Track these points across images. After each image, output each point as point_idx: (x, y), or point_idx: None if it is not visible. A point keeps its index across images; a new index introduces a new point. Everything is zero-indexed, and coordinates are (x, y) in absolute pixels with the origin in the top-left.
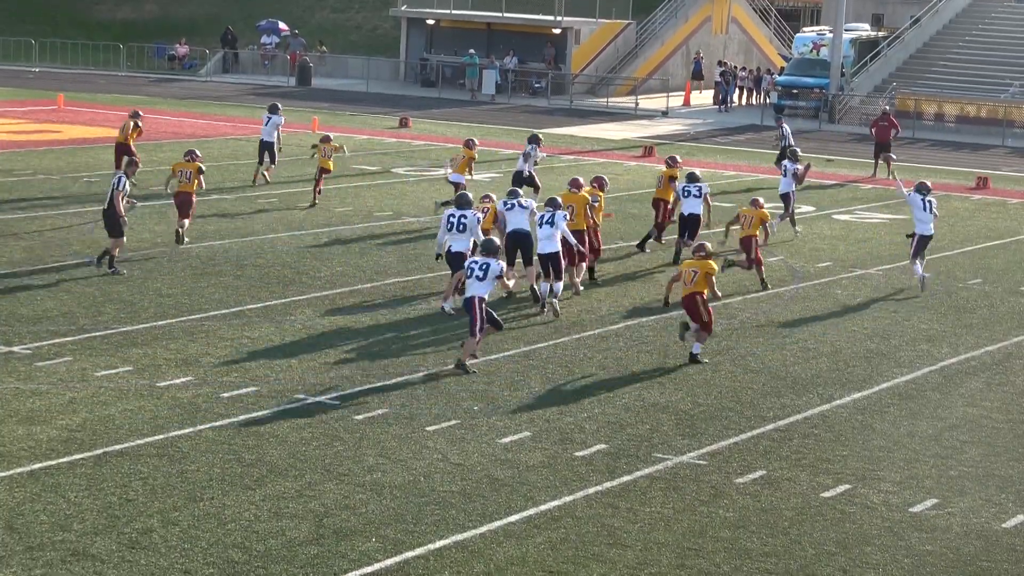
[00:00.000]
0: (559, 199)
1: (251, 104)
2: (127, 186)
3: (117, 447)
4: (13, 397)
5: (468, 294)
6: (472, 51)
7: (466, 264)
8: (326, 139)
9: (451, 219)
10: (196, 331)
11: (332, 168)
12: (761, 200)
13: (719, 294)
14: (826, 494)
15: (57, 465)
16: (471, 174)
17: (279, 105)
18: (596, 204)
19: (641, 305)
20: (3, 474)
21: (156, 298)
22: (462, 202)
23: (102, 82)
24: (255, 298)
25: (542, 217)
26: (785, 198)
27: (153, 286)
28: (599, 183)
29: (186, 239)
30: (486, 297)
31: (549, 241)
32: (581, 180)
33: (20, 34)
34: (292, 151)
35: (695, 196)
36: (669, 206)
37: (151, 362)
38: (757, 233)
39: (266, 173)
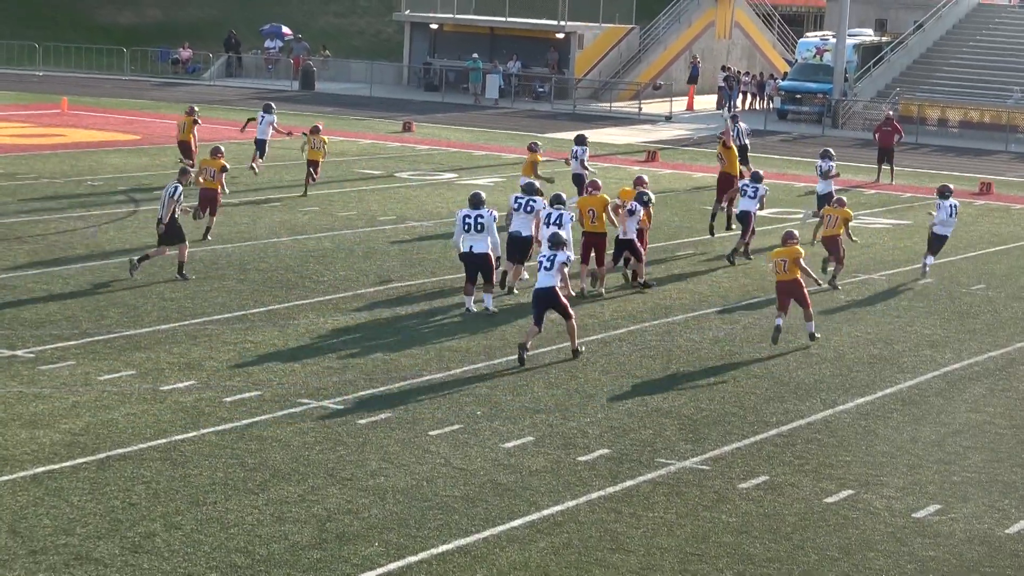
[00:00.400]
0: (563, 195)
1: (255, 108)
2: (182, 195)
3: (120, 451)
4: (16, 401)
5: (542, 285)
6: (475, 55)
7: (537, 260)
8: (315, 130)
9: (467, 220)
10: (199, 335)
11: (321, 159)
12: (844, 199)
13: (814, 276)
14: (829, 499)
15: (60, 469)
16: (536, 176)
17: (273, 105)
18: (652, 203)
19: (644, 309)
20: (6, 478)
21: (159, 302)
22: (476, 202)
23: (106, 86)
24: (258, 302)
25: (548, 216)
26: (827, 198)
27: (156, 290)
28: (641, 182)
29: (210, 236)
30: (558, 285)
31: None
32: (600, 183)
33: (24, 38)
34: (294, 155)
35: (750, 197)
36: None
37: (154, 366)
38: (841, 232)
39: (255, 165)
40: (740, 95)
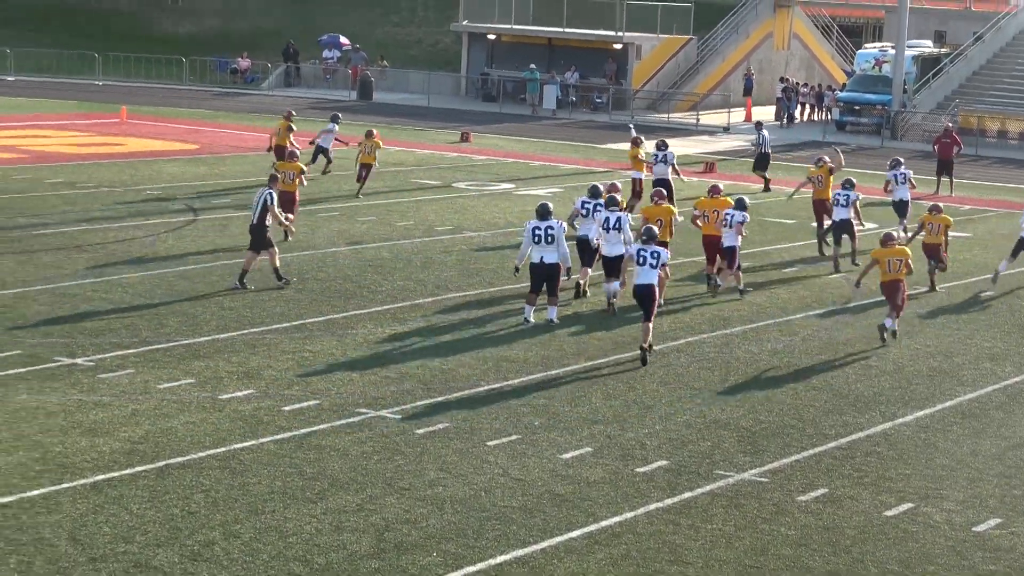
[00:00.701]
0: (617, 196)
1: (313, 118)
2: (276, 200)
3: (179, 459)
4: (76, 409)
5: (642, 281)
6: (533, 66)
7: (635, 252)
8: (369, 135)
9: (536, 231)
10: (258, 344)
11: (374, 162)
12: (940, 205)
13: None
14: (889, 513)
15: (120, 477)
16: (649, 171)
17: (339, 115)
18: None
19: (702, 321)
20: (66, 485)
21: (218, 311)
22: (544, 213)
23: (165, 95)
24: (317, 311)
25: (606, 220)
26: (904, 205)
27: (215, 299)
28: (716, 190)
29: (291, 236)
30: (656, 284)
31: (616, 245)
32: (665, 192)
33: (84, 47)
34: (351, 165)
35: (843, 205)
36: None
37: (213, 375)
38: (943, 240)
39: (313, 172)
40: (798, 106)
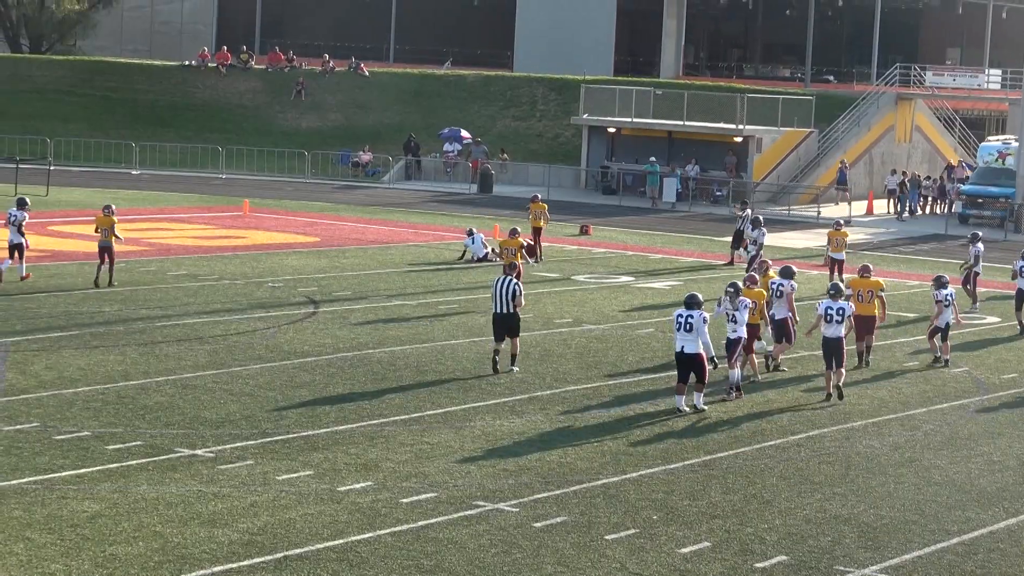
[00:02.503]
0: (742, 285)
1: (433, 211)
2: (523, 293)
3: (297, 551)
4: (196, 500)
5: (831, 335)
6: (653, 159)
7: (823, 309)
8: (534, 199)
9: (679, 319)
10: (376, 436)
11: (543, 225)
12: None
13: None
14: None
15: (238, 568)
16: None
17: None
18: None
19: (823, 415)
20: None
21: (337, 403)
22: (689, 303)
23: (287, 188)
24: (434, 404)
25: (733, 317)
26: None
27: (334, 390)
28: (867, 270)
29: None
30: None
31: (742, 326)
32: (757, 276)
33: (207, 141)
34: (469, 255)
35: None
36: None
37: (331, 467)
38: None
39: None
40: (920, 199)
